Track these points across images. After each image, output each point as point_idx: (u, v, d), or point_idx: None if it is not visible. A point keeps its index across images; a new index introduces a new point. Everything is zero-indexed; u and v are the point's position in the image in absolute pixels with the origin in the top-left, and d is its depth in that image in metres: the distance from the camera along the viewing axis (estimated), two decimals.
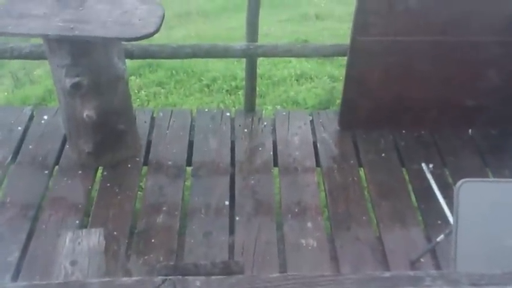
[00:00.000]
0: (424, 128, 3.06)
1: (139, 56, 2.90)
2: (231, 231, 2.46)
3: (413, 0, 2.61)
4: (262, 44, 3.03)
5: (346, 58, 2.94)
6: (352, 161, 2.89)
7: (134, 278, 1.79)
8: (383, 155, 2.92)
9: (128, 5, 2.48)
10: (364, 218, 2.56)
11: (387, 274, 1.87)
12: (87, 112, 2.52)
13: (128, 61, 2.71)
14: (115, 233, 2.40)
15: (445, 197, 2.41)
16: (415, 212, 2.62)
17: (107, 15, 2.40)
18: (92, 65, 2.43)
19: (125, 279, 1.74)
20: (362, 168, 2.87)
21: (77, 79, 2.42)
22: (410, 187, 2.75)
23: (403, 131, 3.06)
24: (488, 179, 2.66)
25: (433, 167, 2.73)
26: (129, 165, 2.78)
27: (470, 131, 3.07)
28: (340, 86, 4.04)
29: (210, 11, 6.45)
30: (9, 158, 2.77)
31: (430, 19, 2.66)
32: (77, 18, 2.37)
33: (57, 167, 2.76)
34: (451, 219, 2.27)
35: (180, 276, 1.42)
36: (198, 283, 1.37)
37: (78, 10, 2.44)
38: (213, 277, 1.40)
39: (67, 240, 2.03)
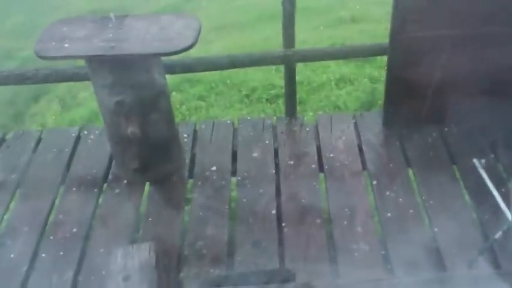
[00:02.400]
0: (473, 122, 2.96)
1: (179, 70, 2.93)
2: (280, 239, 2.43)
3: None
4: (299, 49, 3.01)
5: (385, 58, 2.89)
6: (399, 162, 2.82)
7: None
8: (431, 153, 2.84)
9: (165, 21, 2.52)
10: (416, 218, 2.49)
11: (446, 275, 1.81)
12: (132, 129, 2.56)
13: (168, 77, 2.74)
14: (165, 246, 2.41)
15: (500, 193, 2.32)
16: (470, 210, 2.53)
17: (145, 32, 2.44)
18: (133, 83, 2.46)
19: None
20: (410, 169, 2.79)
21: (119, 97, 2.47)
22: (462, 184, 2.65)
23: (451, 127, 2.97)
24: None
25: (485, 162, 2.63)
26: (175, 179, 2.80)
27: None
28: (381, 87, 3.99)
29: (246, 22, 6.48)
30: (60, 179, 2.83)
31: (470, 11, 2.58)
32: (116, 37, 2.42)
33: (105, 185, 2.80)
34: (508, 215, 2.18)
35: (232, 287, 1.41)
36: None
37: (117, 30, 2.49)
38: (264, 286, 1.39)
39: (119, 257, 2.05)
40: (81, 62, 2.62)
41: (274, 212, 2.56)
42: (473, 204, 2.55)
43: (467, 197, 2.59)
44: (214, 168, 2.85)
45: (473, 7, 2.57)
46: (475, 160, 2.62)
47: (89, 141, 3.08)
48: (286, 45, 2.94)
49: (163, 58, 2.58)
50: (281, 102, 4.08)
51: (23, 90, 4.66)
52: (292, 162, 2.86)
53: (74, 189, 2.77)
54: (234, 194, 2.77)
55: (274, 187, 2.71)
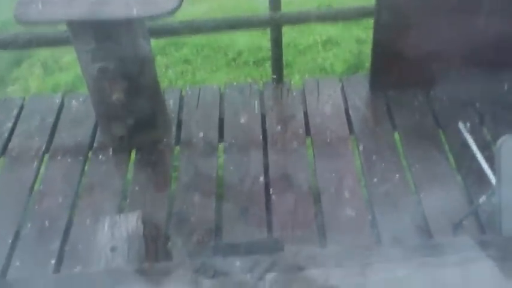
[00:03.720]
0: (459, 86, 2.95)
1: (164, 34, 2.87)
2: (268, 206, 2.44)
3: None
4: (286, 12, 2.96)
5: (372, 20, 2.85)
6: (386, 126, 2.82)
7: (174, 263, 1.79)
8: (417, 117, 2.84)
9: None
10: (402, 183, 2.51)
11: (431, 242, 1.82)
12: (116, 95, 2.52)
13: (153, 41, 2.68)
14: (153, 215, 2.41)
15: (484, 156, 2.34)
16: (455, 174, 2.55)
17: None
18: (116, 48, 2.41)
19: (164, 263, 1.75)
20: (397, 132, 2.80)
21: (103, 63, 2.42)
22: (447, 148, 2.67)
23: (438, 91, 2.96)
24: None
25: (470, 126, 2.64)
26: (162, 146, 2.78)
27: (505, 86, 2.95)
28: (368, 48, 3.94)
29: None
30: (44, 147, 2.80)
31: None
32: (98, 0, 2.34)
33: (91, 152, 2.77)
34: (492, 179, 2.20)
35: (221, 257, 1.41)
36: (238, 263, 1.36)
37: None
38: (253, 256, 1.39)
39: (106, 226, 2.04)
40: (63, 27, 2.54)
41: (261, 179, 2.56)
42: (458, 168, 2.56)
43: (452, 161, 2.61)
44: (201, 134, 2.83)
45: None
46: (460, 124, 2.63)
47: (73, 108, 3.03)
48: (273, 7, 2.89)
49: (147, 22, 2.52)
50: (268, 65, 4.03)
51: (3, 54, 4.55)
52: (279, 128, 2.84)
53: (58, 157, 2.74)
54: (221, 160, 2.76)
55: (261, 153, 2.70)
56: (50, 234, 2.36)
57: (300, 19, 3.08)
